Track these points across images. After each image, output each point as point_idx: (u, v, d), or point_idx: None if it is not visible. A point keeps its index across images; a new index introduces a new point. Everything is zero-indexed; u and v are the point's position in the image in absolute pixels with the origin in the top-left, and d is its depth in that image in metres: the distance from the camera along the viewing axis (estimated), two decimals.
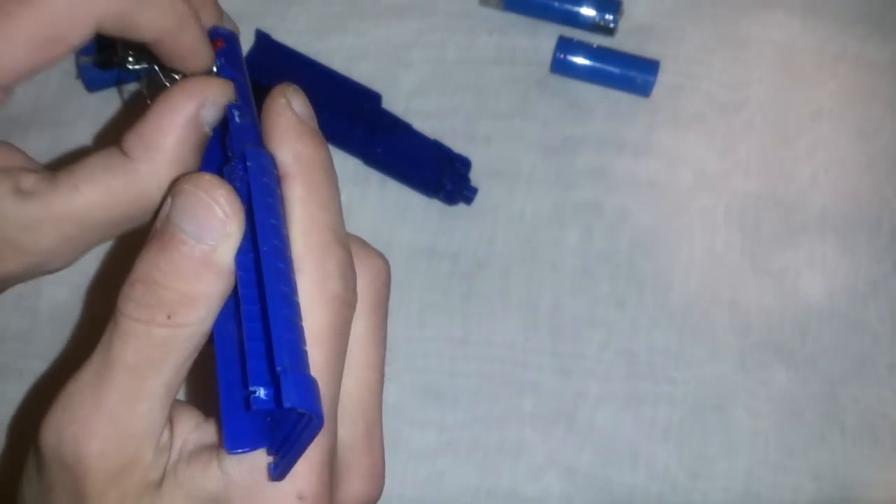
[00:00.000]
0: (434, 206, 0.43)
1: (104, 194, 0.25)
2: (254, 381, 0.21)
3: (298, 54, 0.44)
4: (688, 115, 0.45)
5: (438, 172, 0.42)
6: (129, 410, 0.22)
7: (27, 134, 0.44)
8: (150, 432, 0.23)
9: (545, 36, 0.46)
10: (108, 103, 0.44)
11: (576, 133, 0.44)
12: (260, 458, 0.23)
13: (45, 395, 0.40)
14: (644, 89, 0.45)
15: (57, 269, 0.27)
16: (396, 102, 0.44)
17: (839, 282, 0.43)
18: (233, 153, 0.24)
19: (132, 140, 0.25)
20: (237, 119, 0.25)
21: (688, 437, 0.40)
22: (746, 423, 0.41)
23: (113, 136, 0.43)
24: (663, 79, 0.45)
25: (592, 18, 0.45)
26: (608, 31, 0.45)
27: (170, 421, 0.24)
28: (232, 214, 0.22)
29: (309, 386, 0.21)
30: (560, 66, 0.44)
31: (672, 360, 0.41)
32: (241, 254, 0.23)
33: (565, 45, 0.44)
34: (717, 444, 0.40)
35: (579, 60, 0.44)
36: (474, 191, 0.43)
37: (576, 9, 0.45)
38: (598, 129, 0.45)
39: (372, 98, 0.43)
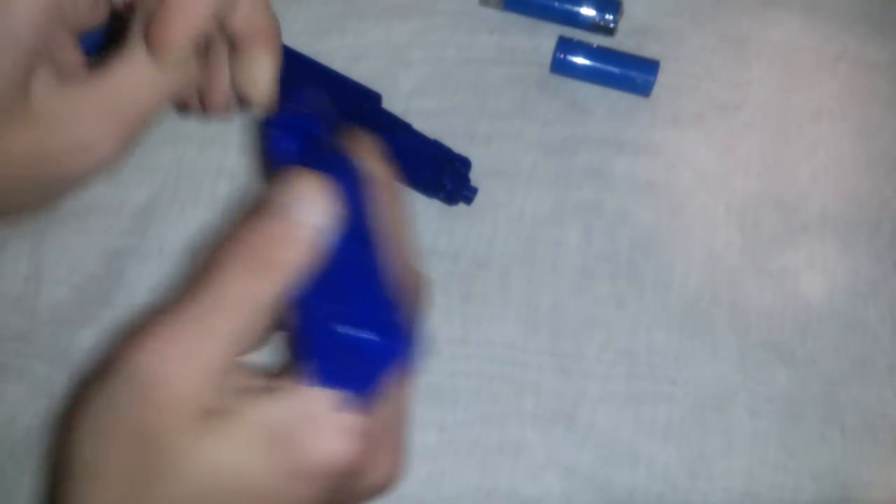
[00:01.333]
0: (434, 206, 0.43)
1: (135, 83, 0.30)
2: (359, 324, 0.26)
3: (298, 54, 0.44)
4: (688, 115, 0.45)
5: (438, 172, 0.42)
6: (202, 345, 0.26)
7: None
8: (215, 370, 0.26)
9: (545, 36, 0.46)
10: None
11: (576, 133, 0.44)
12: (320, 393, 0.26)
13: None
14: (644, 89, 0.44)
15: (108, 164, 0.30)
16: (396, 102, 0.44)
17: (839, 282, 0.43)
18: (323, 157, 0.29)
19: (156, 39, 0.29)
20: (318, 130, 0.31)
21: (688, 437, 0.40)
22: (746, 423, 0.40)
23: None
24: (663, 79, 0.45)
25: (592, 18, 0.45)
26: (608, 31, 0.45)
27: (232, 371, 0.27)
28: (327, 204, 0.26)
29: (404, 331, 0.27)
30: (560, 66, 0.44)
31: (672, 360, 0.41)
32: (343, 238, 0.27)
33: (565, 45, 0.44)
34: (717, 444, 0.40)
35: (579, 60, 0.44)
36: (474, 191, 0.42)
37: (576, 9, 0.45)
38: (598, 129, 0.45)
39: (372, 98, 0.43)
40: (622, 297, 0.42)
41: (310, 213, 0.26)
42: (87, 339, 0.41)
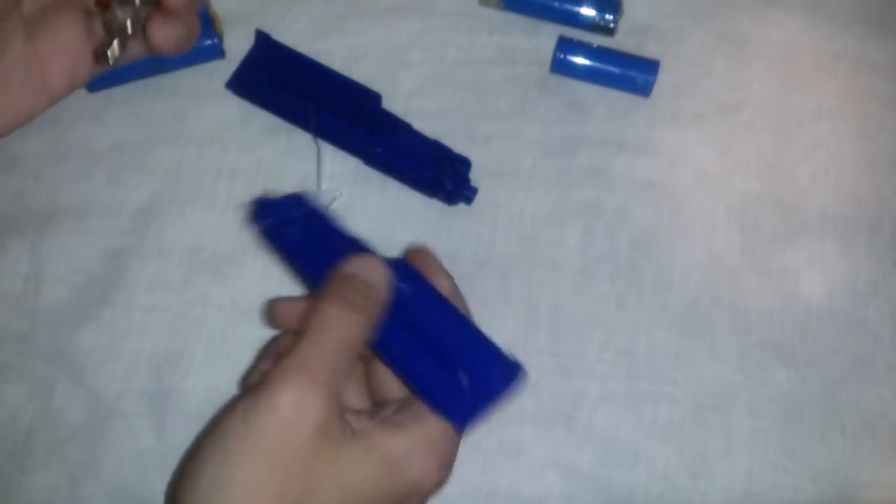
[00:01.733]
0: (434, 206, 0.43)
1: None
2: (471, 366, 0.33)
3: (298, 54, 0.44)
4: (688, 115, 0.45)
5: (438, 172, 0.42)
6: (325, 378, 0.31)
7: (28, 134, 0.43)
8: (336, 398, 0.31)
9: (545, 36, 0.46)
10: (110, 103, 0.44)
11: (576, 133, 0.44)
12: (434, 428, 0.33)
13: None
14: (644, 89, 0.44)
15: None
16: (396, 102, 0.44)
17: (839, 282, 0.43)
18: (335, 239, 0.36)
19: None
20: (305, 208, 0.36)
21: (688, 437, 0.40)
22: (746, 423, 0.40)
23: (114, 137, 0.44)
24: (663, 79, 0.45)
25: (592, 18, 0.45)
26: (608, 31, 0.45)
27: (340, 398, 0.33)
28: (385, 273, 0.34)
29: (512, 369, 0.33)
30: (560, 66, 0.44)
31: (672, 360, 0.41)
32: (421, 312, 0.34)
33: (565, 45, 0.44)
34: (717, 444, 0.40)
35: (579, 60, 0.44)
36: (474, 191, 0.42)
37: (576, 9, 0.45)
38: (598, 129, 0.45)
39: (372, 98, 0.43)
40: (622, 297, 0.42)
41: (374, 274, 0.34)
42: (86, 339, 0.41)
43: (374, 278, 0.34)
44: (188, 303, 0.42)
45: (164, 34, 0.39)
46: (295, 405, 0.30)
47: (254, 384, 0.32)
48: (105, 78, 0.44)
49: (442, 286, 0.35)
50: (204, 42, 0.44)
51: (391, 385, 0.36)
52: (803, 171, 0.44)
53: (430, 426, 0.33)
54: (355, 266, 0.34)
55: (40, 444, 0.40)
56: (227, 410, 0.31)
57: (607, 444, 0.40)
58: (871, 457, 0.40)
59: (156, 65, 0.44)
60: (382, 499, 0.32)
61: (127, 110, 0.44)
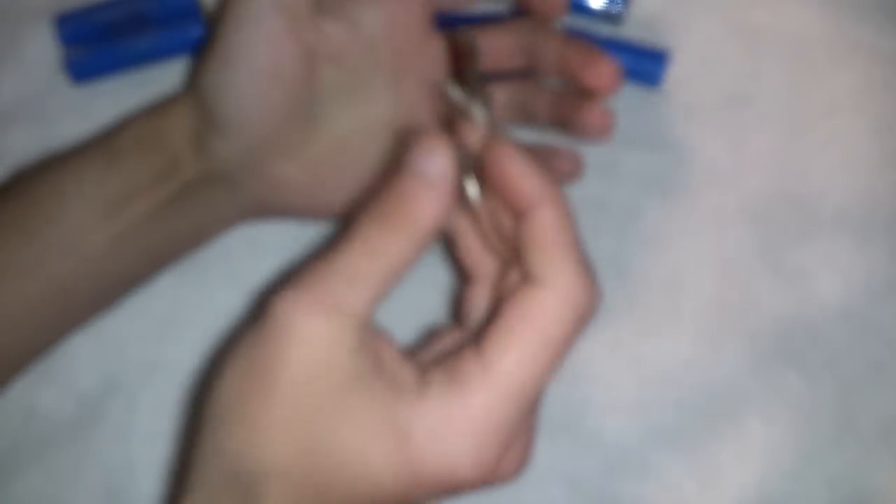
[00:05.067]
0: None
1: None
2: None
3: None
4: (698, 108, 0.44)
5: None
6: (347, 291, 0.27)
7: (9, 129, 0.43)
8: (358, 317, 0.27)
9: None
10: (96, 96, 0.44)
11: None
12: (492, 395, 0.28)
13: None
14: (653, 81, 0.44)
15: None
16: None
17: (854, 282, 0.42)
18: None
19: None
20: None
21: (698, 445, 0.40)
22: (759, 430, 0.40)
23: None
24: (673, 70, 0.44)
25: (600, 7, 0.44)
26: (616, 20, 0.44)
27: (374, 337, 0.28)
28: (449, 160, 0.28)
29: None
30: None
31: (682, 364, 0.41)
32: None
33: (571, 34, 0.42)
34: (728, 452, 0.40)
35: None
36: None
37: None
38: None
39: None
40: (630, 299, 0.41)
41: (438, 165, 0.28)
42: (71, 347, 0.40)
43: (426, 191, 0.28)
44: (177, 301, 0.41)
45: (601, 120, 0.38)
46: (317, 337, 0.26)
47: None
48: (91, 68, 0.43)
49: None
50: (192, 33, 0.43)
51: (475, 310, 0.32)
52: (818, 167, 0.44)
53: (477, 404, 0.27)
54: (411, 171, 0.28)
55: (25, 449, 0.39)
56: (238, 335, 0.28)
57: (615, 453, 0.39)
58: (886, 463, 0.40)
59: (143, 56, 0.43)
60: (394, 482, 0.27)
61: (114, 104, 0.43)
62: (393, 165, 0.29)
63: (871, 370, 0.41)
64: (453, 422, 0.27)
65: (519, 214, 0.29)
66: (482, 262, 0.33)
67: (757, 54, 0.45)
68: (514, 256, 0.30)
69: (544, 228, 0.29)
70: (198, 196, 0.36)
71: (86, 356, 0.40)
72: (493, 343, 0.28)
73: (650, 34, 0.45)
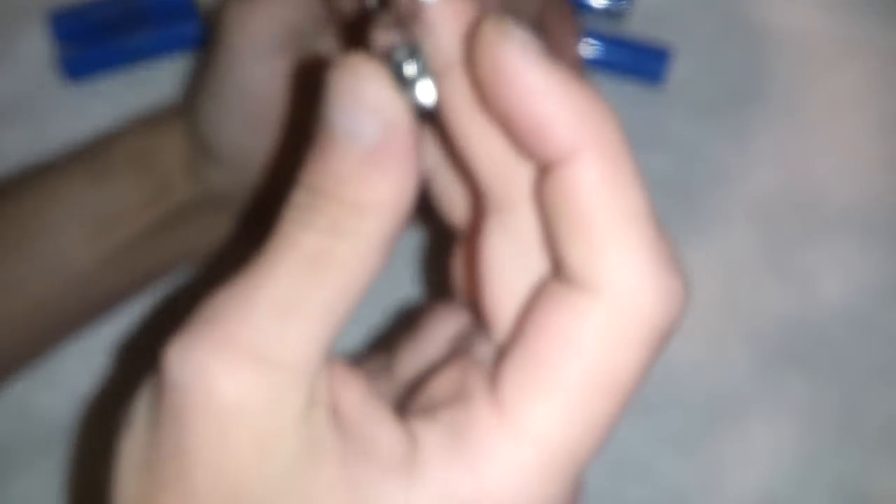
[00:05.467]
0: None
1: None
2: None
3: None
4: (701, 107, 0.44)
5: None
6: (277, 328, 0.17)
7: (2, 128, 0.42)
8: (301, 366, 0.18)
9: None
10: (91, 94, 0.43)
11: None
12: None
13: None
14: (656, 78, 0.43)
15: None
16: None
17: (859, 283, 0.42)
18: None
19: None
20: None
21: (701, 448, 0.39)
22: (762, 433, 0.40)
23: (95, 131, 0.43)
24: (676, 67, 0.44)
25: (603, 4, 0.44)
26: (619, 17, 0.44)
27: (328, 376, 0.19)
28: (388, 96, 0.17)
29: None
30: None
31: (685, 366, 0.40)
32: None
33: None
34: (731, 456, 0.39)
35: (587, 48, 0.43)
36: None
37: None
38: None
39: None
40: None
41: (372, 122, 0.17)
42: (64, 347, 0.39)
43: (377, 163, 0.18)
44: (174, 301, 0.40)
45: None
46: (241, 405, 0.17)
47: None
48: (86, 65, 0.43)
49: None
50: (187, 30, 0.43)
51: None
52: (822, 166, 0.43)
53: (500, 474, 0.17)
54: (335, 132, 0.18)
55: (20, 451, 0.39)
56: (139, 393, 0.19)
57: (617, 456, 0.39)
58: (890, 466, 0.39)
59: (138, 53, 0.43)
60: None
61: (109, 102, 0.43)
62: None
63: (876, 372, 0.41)
64: None
65: (542, 167, 0.18)
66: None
67: (760, 53, 0.45)
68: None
69: (589, 195, 0.17)
70: (190, 218, 0.35)
71: (80, 357, 0.40)
72: (517, 386, 0.18)
73: (653, 32, 0.45)
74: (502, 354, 0.18)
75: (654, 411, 0.40)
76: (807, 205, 0.43)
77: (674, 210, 0.42)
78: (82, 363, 0.40)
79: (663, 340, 0.18)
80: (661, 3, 0.45)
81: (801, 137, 0.44)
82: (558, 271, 0.18)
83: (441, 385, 0.20)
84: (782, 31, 0.45)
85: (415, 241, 0.40)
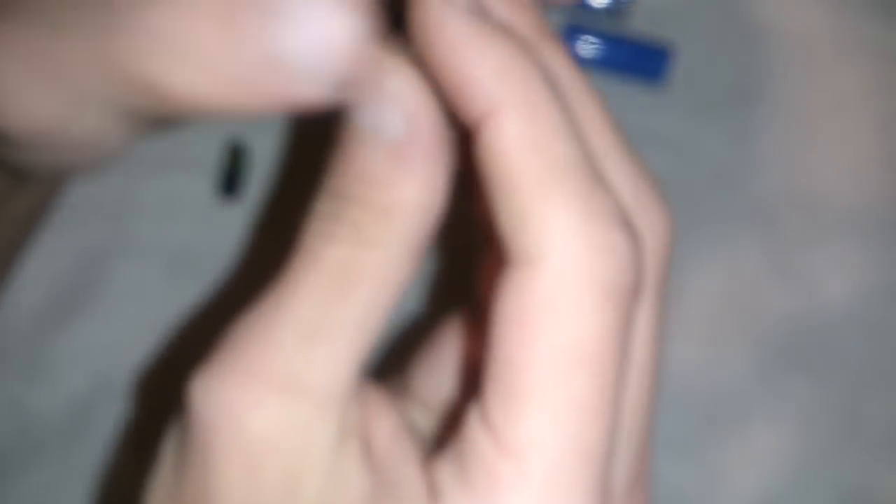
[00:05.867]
0: None
1: None
2: None
3: None
4: (702, 106, 0.44)
5: None
6: (304, 353, 0.17)
7: None
8: (332, 394, 0.17)
9: (553, 19, 0.44)
10: None
11: None
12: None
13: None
14: (656, 77, 0.43)
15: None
16: None
17: (861, 285, 0.41)
18: None
19: None
20: None
21: (703, 450, 0.39)
22: (765, 434, 0.39)
23: None
24: (677, 67, 0.43)
25: (603, 2, 0.44)
26: (620, 15, 0.44)
27: (364, 402, 0.18)
28: (411, 86, 0.17)
29: None
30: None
31: (686, 368, 0.40)
32: None
33: (573, 30, 0.43)
34: (733, 458, 0.39)
35: (587, 47, 0.43)
36: None
37: None
38: None
39: None
40: None
41: (395, 116, 0.17)
42: (63, 343, 0.40)
43: (408, 173, 0.17)
44: (169, 305, 0.40)
45: None
46: (269, 435, 0.16)
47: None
48: None
49: None
50: None
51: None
52: (825, 166, 0.43)
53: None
54: (366, 153, 0.17)
55: (17, 452, 0.39)
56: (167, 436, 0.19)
57: None
58: (894, 468, 0.39)
59: None
60: None
61: None
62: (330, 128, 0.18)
63: (879, 373, 0.40)
64: None
65: (468, 129, 0.18)
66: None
67: (762, 52, 0.45)
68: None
69: (510, 151, 0.17)
70: None
71: (77, 358, 0.40)
72: (499, 405, 0.17)
73: (654, 30, 0.44)
74: (485, 373, 0.17)
75: (656, 414, 0.39)
76: (809, 205, 0.42)
77: (674, 209, 0.42)
78: (82, 364, 0.40)
79: (623, 296, 0.17)
80: (662, 2, 0.45)
81: (803, 137, 0.43)
82: (505, 256, 0.17)
83: (448, 415, 0.19)
84: (784, 30, 0.45)
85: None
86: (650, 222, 0.20)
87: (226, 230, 0.41)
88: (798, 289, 0.41)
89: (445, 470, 0.17)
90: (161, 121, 0.19)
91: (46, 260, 0.40)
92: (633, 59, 0.43)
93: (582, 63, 0.43)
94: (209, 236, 0.41)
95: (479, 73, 0.17)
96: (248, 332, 0.17)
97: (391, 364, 0.22)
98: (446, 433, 0.19)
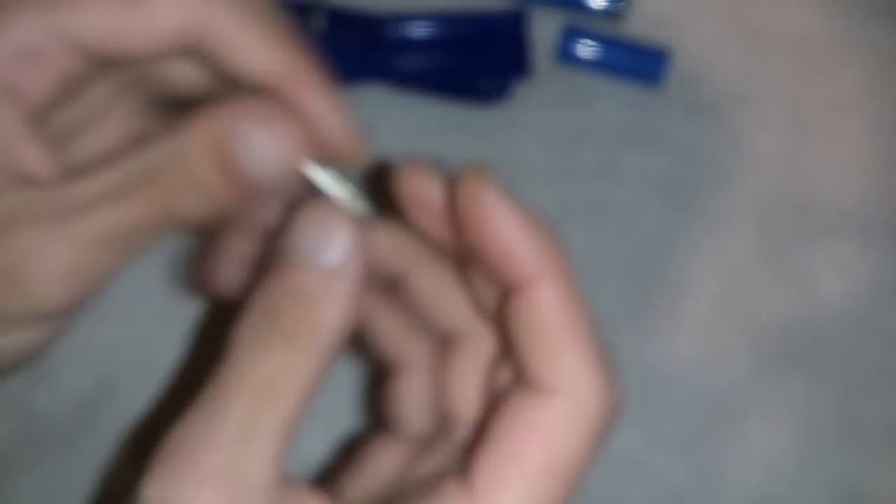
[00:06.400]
0: None
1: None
2: None
3: None
4: (700, 108, 0.44)
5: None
6: (242, 453, 0.19)
7: None
8: (267, 486, 0.20)
9: (550, 23, 0.44)
10: None
11: (581, 126, 0.43)
12: None
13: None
14: (654, 79, 0.43)
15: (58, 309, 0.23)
16: None
17: (859, 284, 0.42)
18: None
19: None
20: None
21: (700, 449, 0.39)
22: (762, 434, 0.39)
23: None
24: (674, 68, 0.43)
25: (600, 5, 0.44)
26: (616, 17, 0.44)
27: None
28: (352, 229, 0.21)
29: None
30: (565, 55, 0.43)
31: (684, 367, 0.40)
32: None
33: (571, 33, 0.43)
34: (730, 457, 0.39)
35: (585, 49, 0.43)
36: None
37: None
38: (604, 121, 0.43)
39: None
40: (631, 301, 0.41)
41: (335, 250, 0.21)
42: (63, 343, 0.39)
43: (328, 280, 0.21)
44: (172, 304, 0.40)
45: None
46: None
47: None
48: None
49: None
50: None
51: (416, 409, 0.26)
52: (821, 167, 0.43)
53: None
54: (298, 254, 0.21)
55: (21, 452, 0.39)
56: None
57: (614, 457, 0.39)
58: (890, 467, 0.39)
59: None
60: None
61: None
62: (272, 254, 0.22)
63: (876, 373, 0.40)
64: None
65: (506, 290, 0.23)
66: (409, 345, 0.27)
67: (759, 53, 0.45)
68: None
69: (547, 313, 0.22)
70: None
71: (81, 359, 0.40)
72: (488, 475, 0.21)
73: (651, 32, 0.44)
74: (472, 450, 0.22)
75: (653, 412, 0.39)
76: (806, 205, 0.42)
77: (672, 211, 0.42)
78: (82, 364, 0.40)
79: (605, 433, 0.23)
80: (660, 4, 0.45)
81: (800, 138, 0.43)
82: (520, 378, 0.22)
83: (383, 463, 0.25)
84: (781, 31, 0.45)
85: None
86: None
87: None
88: (796, 288, 0.41)
89: None
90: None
91: None
92: (631, 61, 0.43)
93: (580, 65, 0.43)
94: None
95: (525, 252, 0.22)
96: (191, 436, 0.20)
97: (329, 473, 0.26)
98: None
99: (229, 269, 0.27)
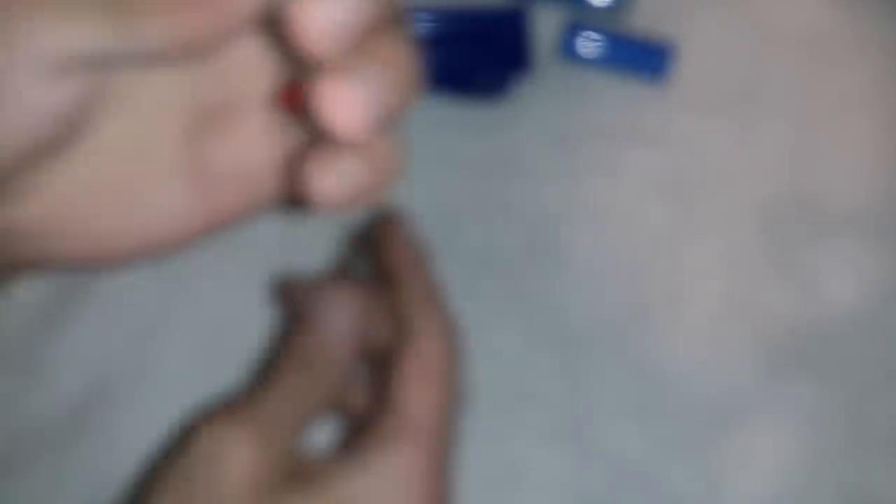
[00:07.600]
0: None
1: None
2: None
3: None
4: (705, 105, 0.44)
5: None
6: (274, 424, 0.31)
7: None
8: (285, 447, 0.31)
9: (552, 19, 0.44)
10: None
11: (584, 123, 0.43)
12: (406, 455, 0.32)
13: None
14: (658, 75, 0.43)
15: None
16: None
17: (866, 285, 0.41)
18: None
19: None
20: None
21: (705, 454, 0.39)
22: (767, 437, 0.39)
23: None
24: (679, 65, 0.43)
25: (604, 1, 0.43)
26: (621, 12, 0.44)
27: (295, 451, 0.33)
28: (358, 308, 0.35)
29: None
30: (567, 51, 0.43)
31: (689, 369, 0.40)
32: None
33: (573, 29, 0.43)
34: (736, 460, 0.39)
35: (588, 45, 0.43)
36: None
37: None
38: (608, 118, 0.43)
39: None
40: (635, 301, 0.41)
41: (342, 320, 0.33)
42: (59, 342, 0.40)
43: (336, 328, 0.34)
44: (170, 303, 0.40)
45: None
46: (218, 451, 0.30)
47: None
48: None
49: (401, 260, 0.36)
50: None
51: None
52: (828, 165, 0.43)
53: (395, 459, 0.31)
54: (318, 313, 0.34)
55: (15, 457, 0.39)
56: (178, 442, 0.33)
57: (618, 463, 0.39)
58: None
59: None
60: None
61: None
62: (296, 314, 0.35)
63: (883, 375, 0.40)
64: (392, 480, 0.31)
65: (391, 282, 0.35)
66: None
67: (766, 50, 0.45)
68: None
69: (416, 290, 0.35)
70: None
71: (74, 361, 0.40)
72: (399, 392, 0.33)
73: (656, 28, 0.44)
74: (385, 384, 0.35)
75: (657, 415, 0.39)
76: (812, 204, 0.42)
77: (677, 209, 0.42)
78: (79, 366, 0.40)
79: (456, 350, 0.35)
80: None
81: (806, 136, 0.43)
82: (404, 332, 0.35)
83: None
84: (788, 26, 0.45)
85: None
86: None
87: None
88: (801, 289, 0.41)
89: (368, 440, 0.32)
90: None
91: None
92: (635, 57, 0.43)
93: (582, 61, 0.43)
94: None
95: (403, 261, 0.37)
96: (245, 410, 0.32)
97: None
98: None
99: None
